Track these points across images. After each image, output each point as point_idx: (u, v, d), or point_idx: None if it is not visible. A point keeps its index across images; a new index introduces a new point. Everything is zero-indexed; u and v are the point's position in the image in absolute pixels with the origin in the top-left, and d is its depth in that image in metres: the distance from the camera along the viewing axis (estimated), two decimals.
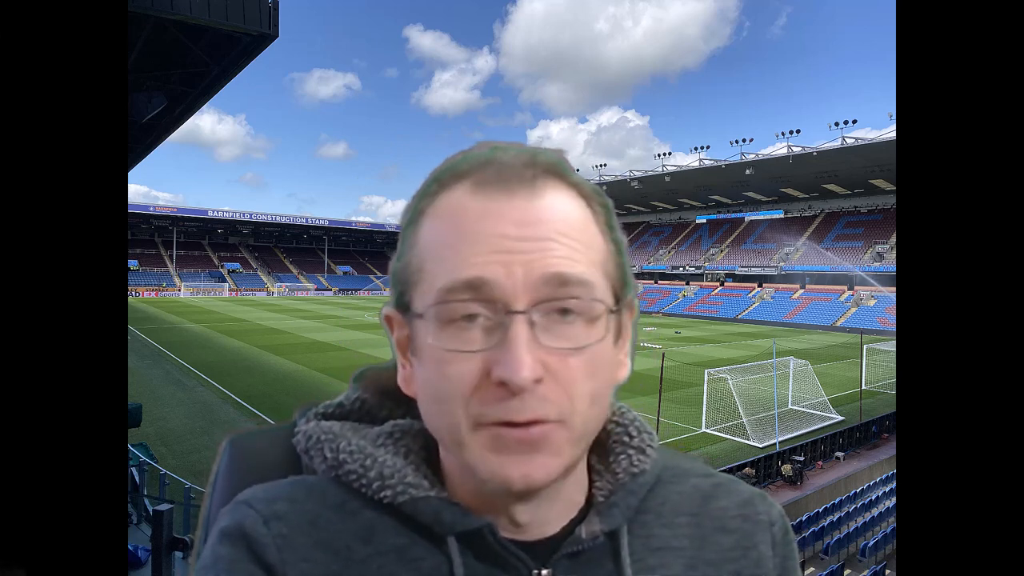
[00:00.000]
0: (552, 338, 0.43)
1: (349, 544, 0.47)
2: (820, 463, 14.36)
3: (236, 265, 78.59)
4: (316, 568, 0.46)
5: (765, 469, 13.19)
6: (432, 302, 0.44)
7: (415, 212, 0.48)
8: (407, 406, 0.57)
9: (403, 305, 0.48)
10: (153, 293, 64.01)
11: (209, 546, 0.47)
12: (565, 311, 0.44)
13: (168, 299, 60.82)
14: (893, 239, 51.51)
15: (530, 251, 0.43)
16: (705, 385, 17.48)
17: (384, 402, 0.59)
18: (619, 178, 62.02)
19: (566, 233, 0.45)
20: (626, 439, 0.55)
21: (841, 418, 17.05)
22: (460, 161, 0.47)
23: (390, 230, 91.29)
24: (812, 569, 10.17)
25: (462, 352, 0.43)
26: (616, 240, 0.49)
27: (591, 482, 0.53)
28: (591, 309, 0.45)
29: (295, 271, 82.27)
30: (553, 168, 0.47)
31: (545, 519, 0.49)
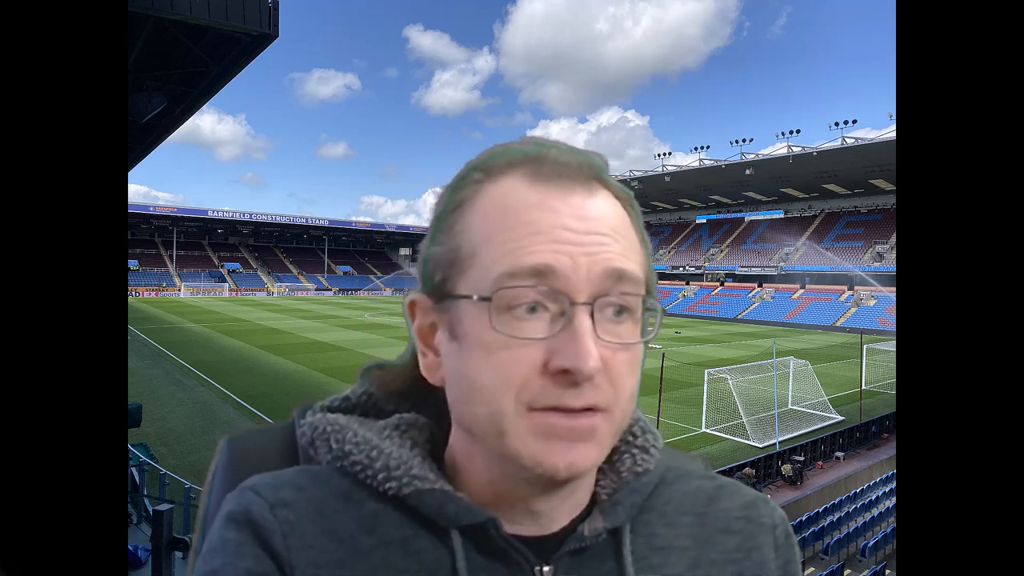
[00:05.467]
0: (607, 333, 0.44)
1: (353, 533, 0.47)
2: (820, 463, 14.36)
3: (236, 265, 78.56)
4: (321, 555, 0.46)
5: (765, 469, 13.18)
6: (491, 287, 0.44)
7: (458, 200, 0.48)
8: (413, 402, 0.58)
9: (441, 291, 0.47)
10: (153, 293, 63.97)
11: (215, 529, 0.47)
12: (619, 310, 0.45)
13: (168, 299, 60.77)
14: (893, 239, 51.52)
15: (591, 244, 0.44)
16: (705, 385, 17.48)
17: (390, 397, 0.59)
18: (619, 178, 61.09)
19: (619, 232, 0.46)
20: (630, 438, 0.55)
21: (841, 418, 17.04)
22: (508, 152, 0.48)
23: (390, 230, 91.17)
24: (812, 569, 10.17)
25: (521, 339, 0.43)
26: (646, 243, 0.51)
27: (595, 480, 0.54)
28: (638, 307, 0.46)
29: (295, 271, 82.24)
30: (600, 171, 0.48)
31: (558, 513, 0.50)
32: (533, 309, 0.43)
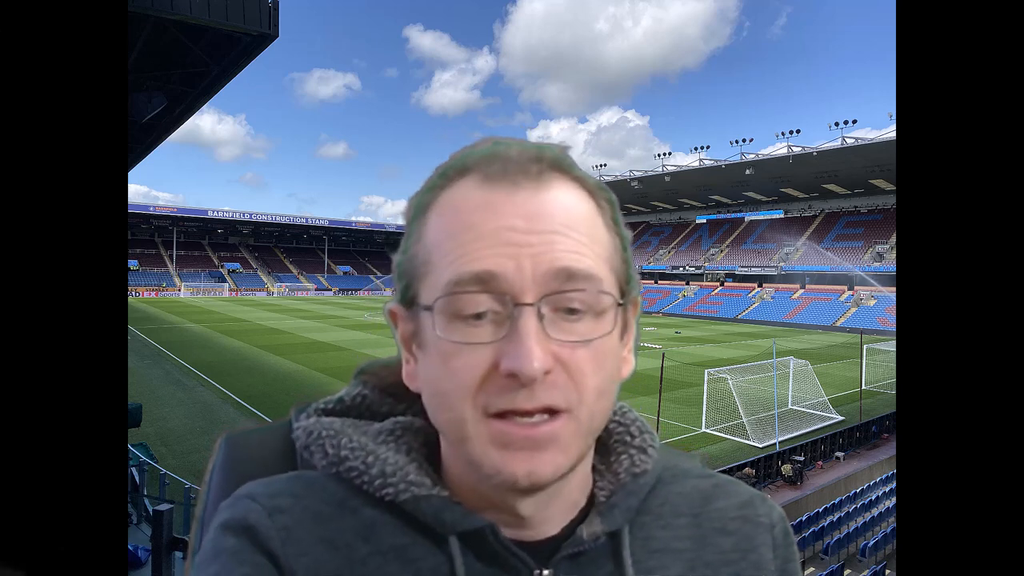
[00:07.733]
0: (560, 332, 0.43)
1: (350, 542, 0.47)
2: (820, 463, 14.36)
3: (236, 265, 78.54)
4: (317, 563, 0.45)
5: (765, 469, 13.19)
6: (440, 295, 0.44)
7: (419, 207, 0.48)
8: (408, 402, 0.57)
9: (408, 299, 0.48)
10: (153, 293, 63.97)
11: (210, 540, 0.47)
12: (572, 309, 0.44)
13: (168, 299, 60.77)
14: (893, 239, 51.50)
15: (537, 244, 0.43)
16: (705, 385, 17.47)
17: (385, 398, 0.58)
18: (619, 178, 61.97)
19: (573, 227, 0.45)
20: (628, 439, 0.55)
21: (841, 418, 17.05)
22: (464, 156, 0.47)
23: (390, 230, 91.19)
24: (812, 569, 10.17)
25: (470, 344, 0.43)
26: (621, 235, 0.50)
27: (592, 482, 0.53)
28: (598, 303, 0.45)
29: (295, 271, 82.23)
30: (558, 163, 0.47)
31: (548, 515, 0.49)
32: (482, 314, 0.43)
